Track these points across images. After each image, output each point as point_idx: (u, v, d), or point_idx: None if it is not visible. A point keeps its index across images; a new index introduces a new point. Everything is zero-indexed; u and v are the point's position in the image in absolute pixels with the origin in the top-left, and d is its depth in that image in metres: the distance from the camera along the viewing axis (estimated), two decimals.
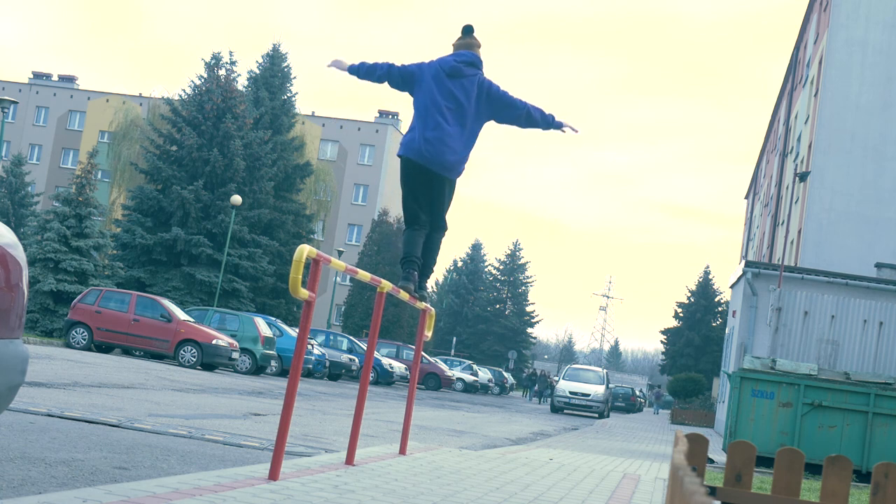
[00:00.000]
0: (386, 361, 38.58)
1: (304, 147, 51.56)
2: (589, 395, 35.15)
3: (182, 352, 24.32)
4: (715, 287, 74.24)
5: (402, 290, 6.41)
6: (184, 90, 45.47)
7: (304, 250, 4.78)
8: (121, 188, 50.74)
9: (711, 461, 12.80)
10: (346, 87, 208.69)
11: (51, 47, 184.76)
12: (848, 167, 31.96)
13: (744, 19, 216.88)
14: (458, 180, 6.53)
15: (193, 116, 43.61)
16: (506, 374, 61.29)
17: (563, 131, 6.62)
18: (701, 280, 74.84)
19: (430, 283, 7.03)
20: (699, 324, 71.48)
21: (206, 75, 44.69)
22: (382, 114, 75.61)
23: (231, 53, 45.60)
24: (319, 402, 17.64)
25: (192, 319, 25.54)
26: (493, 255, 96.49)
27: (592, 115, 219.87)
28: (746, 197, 66.53)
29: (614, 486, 7.16)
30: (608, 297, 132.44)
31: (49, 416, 8.35)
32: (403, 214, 6.58)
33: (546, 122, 6.50)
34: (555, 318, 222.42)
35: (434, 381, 42.43)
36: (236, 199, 37.20)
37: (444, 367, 45.06)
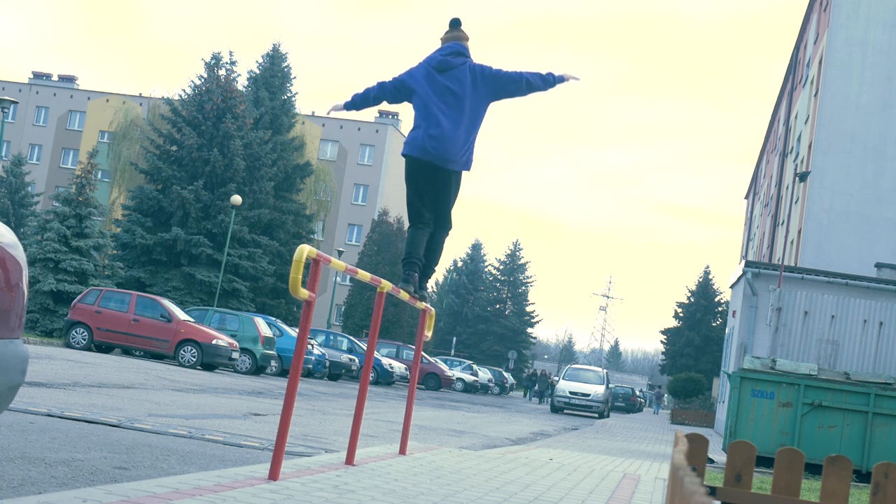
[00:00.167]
0: (386, 361, 38.58)
1: (304, 147, 51.56)
2: (589, 395, 35.14)
3: (182, 352, 24.32)
4: (715, 287, 74.25)
5: (402, 291, 6.41)
6: (184, 90, 45.48)
7: (304, 250, 4.77)
8: (121, 188, 50.73)
9: (711, 461, 12.80)
10: (346, 87, 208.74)
11: (51, 47, 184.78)
12: (848, 167, 31.96)
13: (744, 19, 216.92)
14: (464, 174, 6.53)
15: (193, 116, 43.61)
16: (506, 374, 61.29)
17: (567, 81, 6.61)
18: (701, 280, 74.84)
19: (430, 283, 7.01)
20: (699, 324, 71.48)
21: (206, 75, 44.69)
22: (382, 114, 75.62)
23: (231, 53, 45.62)
24: (319, 402, 17.64)
25: (192, 319, 25.54)
26: (493, 255, 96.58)
27: (592, 115, 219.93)
28: (746, 197, 66.53)
29: (614, 486, 7.16)
30: (608, 297, 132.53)
31: (49, 416, 8.35)
32: (407, 213, 6.59)
33: (547, 82, 6.48)
34: (555, 318, 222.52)
35: (434, 381, 42.43)
36: (236, 199, 37.20)
37: (444, 367, 45.05)
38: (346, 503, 4.59)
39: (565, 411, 35.73)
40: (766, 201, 47.34)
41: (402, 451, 7.33)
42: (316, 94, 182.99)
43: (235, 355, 24.97)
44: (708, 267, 77.09)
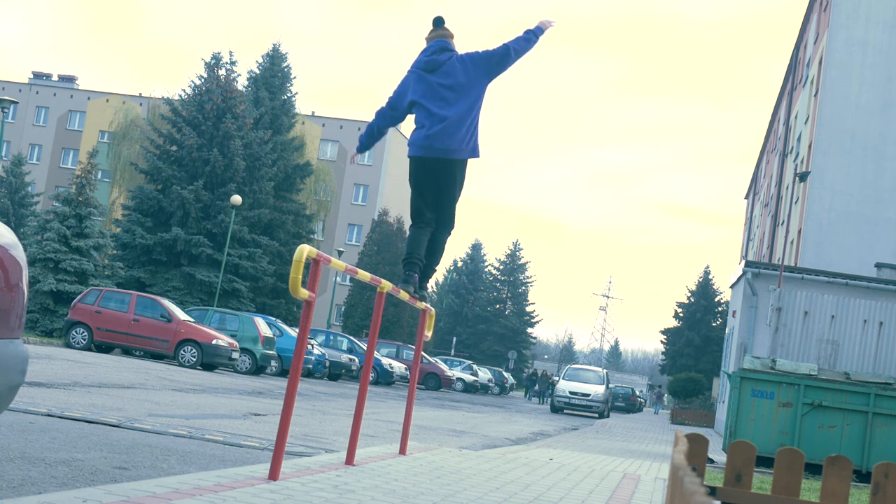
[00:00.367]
0: (386, 361, 38.58)
1: (304, 147, 51.55)
2: (589, 395, 35.14)
3: (182, 352, 24.32)
4: (715, 287, 74.24)
5: (402, 291, 6.42)
6: (184, 90, 45.48)
7: (304, 250, 4.78)
8: (121, 188, 50.73)
9: (711, 461, 12.80)
10: (346, 87, 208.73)
11: (51, 47, 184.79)
12: (848, 167, 31.96)
13: (744, 19, 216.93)
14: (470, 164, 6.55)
15: (193, 116, 43.61)
16: (506, 374, 61.29)
17: (546, 30, 6.61)
18: (701, 280, 74.83)
19: (430, 283, 7.01)
20: (699, 324, 71.48)
21: (206, 75, 44.69)
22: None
23: (231, 53, 45.62)
24: (319, 402, 17.64)
25: (192, 319, 25.54)
26: (493, 255, 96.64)
27: (592, 115, 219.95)
28: (746, 197, 66.53)
29: (614, 486, 7.16)
30: (608, 297, 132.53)
31: (49, 416, 8.35)
32: (410, 213, 6.62)
33: (529, 41, 6.52)
34: (555, 318, 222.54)
35: (434, 381, 42.43)
36: (236, 199, 37.20)
37: (444, 367, 45.05)
38: (346, 503, 4.59)
39: (565, 411, 35.73)
40: (766, 201, 47.35)
41: (402, 451, 7.33)
42: (316, 94, 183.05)
43: (235, 355, 24.97)
44: (708, 267, 77.13)
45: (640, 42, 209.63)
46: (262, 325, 27.86)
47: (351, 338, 37.43)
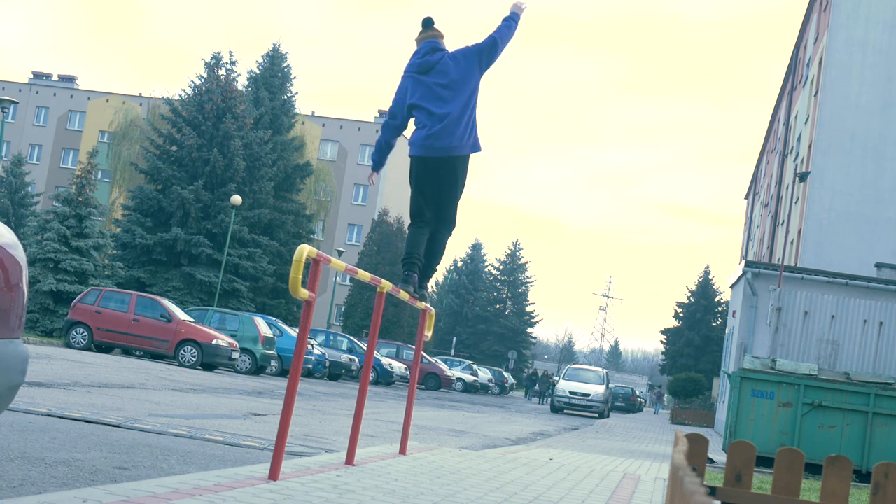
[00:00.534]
0: (386, 361, 38.57)
1: (304, 147, 51.55)
2: (589, 395, 35.14)
3: (182, 352, 24.32)
4: (715, 287, 74.24)
5: (401, 291, 6.42)
6: (184, 90, 45.48)
7: (304, 250, 4.78)
8: (121, 188, 50.73)
9: (711, 461, 12.80)
10: (346, 87, 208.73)
11: (51, 47, 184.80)
12: (848, 167, 31.96)
13: (744, 19, 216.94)
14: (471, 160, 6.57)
15: (193, 116, 43.61)
16: (506, 374, 61.29)
17: (521, 13, 6.64)
18: (701, 280, 74.83)
19: (430, 283, 7.02)
20: (699, 324, 71.48)
21: (206, 75, 44.69)
22: (382, 114, 75.56)
23: (231, 53, 45.61)
24: (319, 402, 17.64)
25: (192, 319, 25.54)
26: (493, 255, 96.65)
27: (592, 115, 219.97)
28: (746, 197, 66.54)
29: (614, 486, 7.16)
30: (608, 297, 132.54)
31: (49, 416, 8.35)
32: (410, 212, 6.63)
33: (510, 27, 6.57)
34: (555, 318, 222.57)
35: (434, 381, 42.43)
36: (236, 199, 37.20)
37: (444, 367, 45.05)
38: (346, 503, 4.59)
39: (565, 411, 35.73)
40: (766, 201, 47.35)
41: (402, 451, 7.33)
42: (316, 94, 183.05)
43: (235, 355, 24.97)
44: (708, 267, 77.10)
45: (640, 42, 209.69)
46: (262, 325, 27.86)
47: (351, 338, 37.43)
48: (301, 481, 5.05)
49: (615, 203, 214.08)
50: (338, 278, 63.71)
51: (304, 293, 4.81)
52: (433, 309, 7.28)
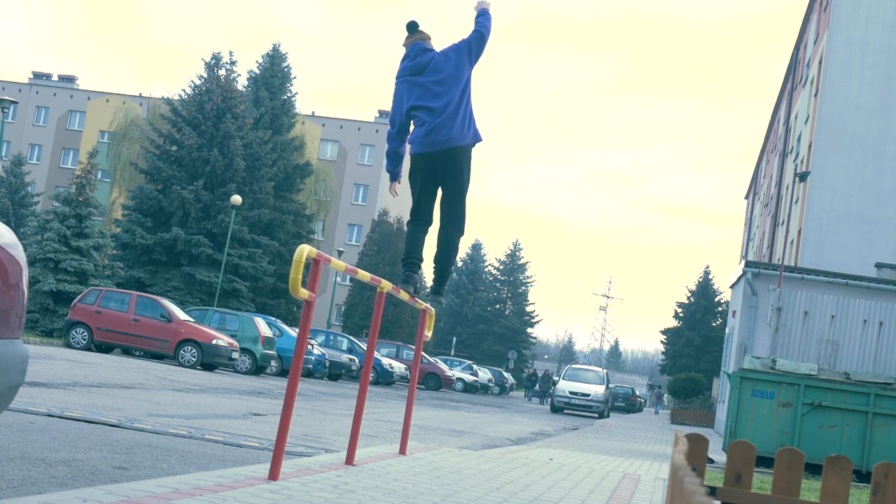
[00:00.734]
0: (386, 361, 38.57)
1: (304, 147, 51.55)
2: (589, 395, 35.14)
3: (182, 352, 24.31)
4: (715, 287, 74.23)
5: (401, 291, 6.43)
6: (184, 90, 45.48)
7: (304, 250, 4.78)
8: (121, 188, 50.73)
9: (711, 461, 12.80)
10: (346, 87, 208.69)
11: (51, 47, 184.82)
12: (848, 167, 31.96)
13: (744, 19, 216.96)
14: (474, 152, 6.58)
15: (193, 116, 43.61)
16: (506, 374, 61.29)
17: (487, 6, 6.70)
18: (701, 280, 74.82)
19: (430, 284, 7.04)
20: (699, 324, 71.47)
21: (206, 75, 44.68)
22: (382, 114, 75.57)
23: (231, 53, 45.61)
24: (319, 402, 17.64)
25: (192, 319, 25.54)
26: (493, 255, 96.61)
27: (592, 115, 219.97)
28: (746, 197, 66.53)
29: (614, 486, 7.16)
30: (608, 297, 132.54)
31: (49, 416, 8.35)
32: (411, 210, 6.64)
33: (487, 19, 6.64)
34: (555, 318, 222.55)
35: (434, 381, 42.43)
36: (236, 199, 37.20)
37: (444, 367, 45.05)
38: (346, 503, 4.59)
39: (565, 411, 35.72)
40: (766, 201, 47.35)
41: (402, 451, 7.33)
42: (316, 94, 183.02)
43: (235, 355, 24.97)
44: (708, 267, 77.06)
45: (640, 42, 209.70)
46: (262, 325, 27.86)
47: (351, 338, 37.43)
48: (301, 481, 5.05)
49: (615, 203, 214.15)
50: (338, 278, 63.71)
51: (304, 293, 4.80)
52: (433, 309, 7.28)
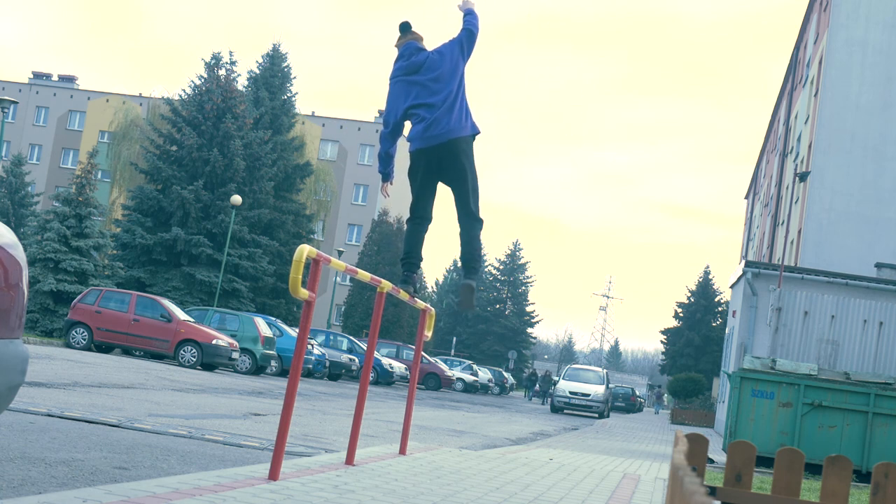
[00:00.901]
0: (386, 361, 38.57)
1: (304, 147, 51.54)
2: (589, 395, 35.14)
3: (182, 352, 24.31)
4: (715, 287, 74.22)
5: (401, 291, 6.42)
6: (184, 90, 45.47)
7: (304, 250, 4.77)
8: (121, 188, 50.73)
9: (711, 461, 12.80)
10: (346, 87, 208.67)
11: (51, 47, 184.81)
12: (848, 167, 31.96)
13: (744, 19, 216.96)
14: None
15: (193, 116, 43.60)
16: (506, 374, 61.29)
17: (472, 5, 6.73)
18: (701, 280, 74.82)
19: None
20: (699, 324, 71.46)
21: (206, 75, 44.68)
22: (382, 114, 75.42)
23: (231, 53, 45.60)
24: (319, 402, 17.64)
25: (192, 319, 25.53)
26: (493, 255, 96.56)
27: (592, 115, 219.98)
28: (746, 197, 66.53)
29: (614, 486, 7.16)
30: (608, 297, 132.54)
31: (49, 416, 8.35)
32: (410, 208, 6.64)
33: (474, 17, 6.66)
34: (555, 318, 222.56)
35: (434, 381, 42.42)
36: (236, 199, 37.19)
37: (444, 367, 45.04)
38: (346, 503, 4.59)
39: (565, 411, 35.72)
40: (766, 201, 47.35)
41: (402, 451, 7.33)
42: (316, 94, 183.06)
43: (235, 355, 24.96)
44: (708, 267, 77.11)
45: (640, 42, 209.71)
46: (262, 325, 27.85)
47: (351, 338, 37.42)
48: (301, 481, 5.05)
49: (615, 203, 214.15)
50: (338, 278, 63.71)
51: (304, 293, 4.80)
52: (433, 309, 7.28)
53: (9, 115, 50.09)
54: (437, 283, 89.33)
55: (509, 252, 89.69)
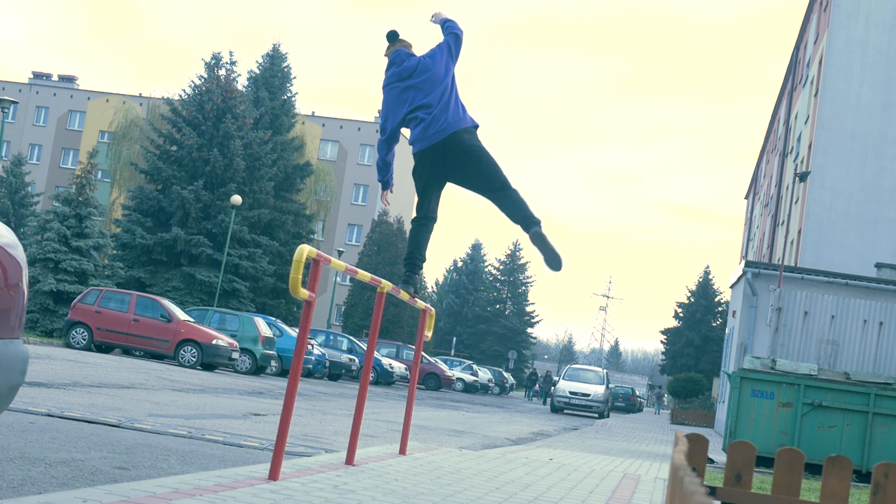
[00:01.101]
0: (386, 361, 38.57)
1: (304, 147, 51.54)
2: (589, 395, 35.13)
3: (182, 352, 24.31)
4: (715, 287, 74.20)
5: (402, 291, 6.42)
6: (184, 90, 45.47)
7: (304, 250, 4.77)
8: (121, 188, 50.73)
9: (711, 461, 12.80)
10: (346, 87, 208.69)
11: (51, 47, 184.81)
12: (848, 167, 31.96)
13: (744, 19, 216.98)
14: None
15: (193, 116, 43.59)
16: (506, 374, 61.28)
17: (445, 17, 6.78)
18: (701, 280, 74.80)
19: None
20: (699, 324, 71.44)
21: (206, 75, 44.67)
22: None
23: (231, 53, 45.57)
24: (319, 402, 17.64)
25: (192, 319, 25.53)
26: (493, 255, 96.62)
27: (593, 115, 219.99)
28: (746, 197, 66.53)
29: (614, 486, 7.16)
30: (608, 297, 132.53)
31: (49, 416, 8.35)
32: (416, 207, 6.63)
33: (454, 24, 6.72)
34: (555, 318, 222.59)
35: (434, 381, 42.42)
36: (236, 199, 37.19)
37: (444, 367, 45.04)
38: (346, 503, 4.59)
39: (565, 411, 35.72)
40: (766, 201, 47.34)
41: (402, 451, 7.33)
42: (316, 94, 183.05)
43: (235, 355, 24.96)
44: (708, 267, 77.00)
45: (641, 41, 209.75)
46: (262, 325, 27.85)
47: (351, 338, 37.42)
48: (301, 481, 5.05)
49: (615, 203, 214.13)
50: (338, 278, 63.70)
51: (304, 293, 4.80)
52: (433, 309, 7.28)
53: (9, 115, 50.09)
54: (437, 284, 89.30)
55: (509, 252, 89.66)
